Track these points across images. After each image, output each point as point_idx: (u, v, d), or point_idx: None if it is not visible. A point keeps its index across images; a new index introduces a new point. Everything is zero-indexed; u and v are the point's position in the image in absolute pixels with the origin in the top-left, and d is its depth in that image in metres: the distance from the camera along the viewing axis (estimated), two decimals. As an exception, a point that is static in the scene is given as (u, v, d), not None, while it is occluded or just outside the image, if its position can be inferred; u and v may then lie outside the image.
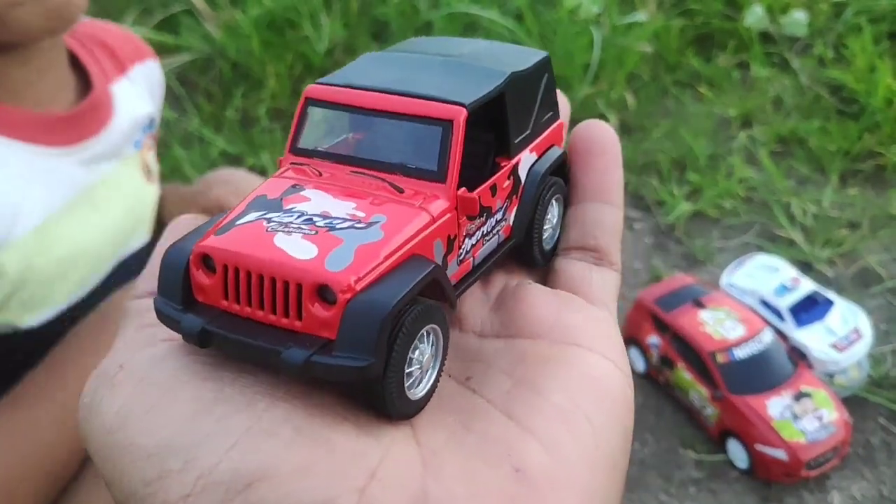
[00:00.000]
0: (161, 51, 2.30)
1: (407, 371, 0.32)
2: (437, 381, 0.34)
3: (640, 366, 1.69)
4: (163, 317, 0.34)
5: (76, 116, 0.96)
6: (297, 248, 0.32)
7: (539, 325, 0.36)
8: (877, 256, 1.85)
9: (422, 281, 0.32)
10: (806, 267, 1.82)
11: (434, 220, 0.35)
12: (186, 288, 0.34)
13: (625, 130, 2.15)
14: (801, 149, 2.08)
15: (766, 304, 1.68)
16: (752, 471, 1.52)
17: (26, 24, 0.84)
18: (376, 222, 0.34)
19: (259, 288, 0.32)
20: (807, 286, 1.68)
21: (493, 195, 0.38)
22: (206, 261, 0.33)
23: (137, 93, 1.07)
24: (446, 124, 0.36)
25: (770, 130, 2.11)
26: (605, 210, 0.44)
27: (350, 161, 0.38)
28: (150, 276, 0.37)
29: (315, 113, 0.38)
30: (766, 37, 2.32)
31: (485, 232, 0.38)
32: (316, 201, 0.35)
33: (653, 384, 1.68)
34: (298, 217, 0.34)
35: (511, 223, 0.41)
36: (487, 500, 0.30)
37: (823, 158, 2.04)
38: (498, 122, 0.39)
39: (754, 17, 2.29)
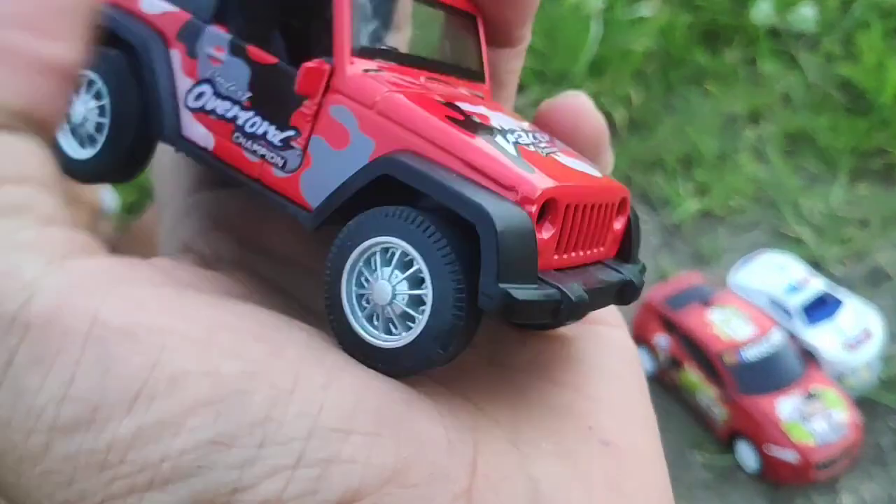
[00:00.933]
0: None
1: None
2: None
3: (649, 366, 1.67)
4: (532, 306, 0.24)
5: None
6: (588, 168, 0.30)
7: None
8: (887, 255, 1.83)
9: None
10: (815, 266, 1.80)
11: None
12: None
13: (630, 127, 2.13)
14: (810, 146, 2.06)
15: (774, 302, 1.66)
16: (761, 473, 1.50)
17: None
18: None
19: (591, 222, 0.28)
20: (816, 285, 1.66)
21: None
22: (545, 210, 0.26)
23: None
24: (475, 18, 0.34)
25: (778, 128, 2.09)
26: None
27: (415, 63, 0.31)
28: None
29: None
30: (773, 32, 2.30)
31: None
32: (494, 119, 0.30)
33: (661, 386, 1.66)
34: (528, 136, 0.30)
35: None
36: (594, 482, 0.27)
37: (832, 156, 2.02)
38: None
39: (762, 12, 2.27)
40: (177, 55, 0.31)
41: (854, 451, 1.49)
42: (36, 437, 0.22)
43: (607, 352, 0.32)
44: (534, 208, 0.25)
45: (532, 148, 0.28)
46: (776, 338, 1.56)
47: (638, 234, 0.31)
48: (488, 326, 0.31)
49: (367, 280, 0.26)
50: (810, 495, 1.48)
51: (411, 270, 0.25)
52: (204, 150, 0.30)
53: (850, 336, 1.60)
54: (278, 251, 0.33)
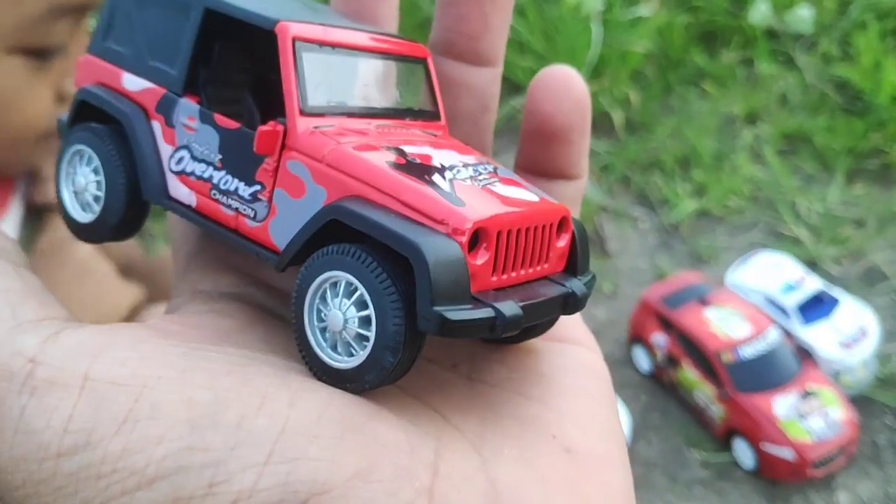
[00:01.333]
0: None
1: None
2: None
3: (646, 365, 1.68)
4: (467, 325, 0.27)
5: None
6: (526, 194, 0.32)
7: None
8: (883, 255, 1.84)
9: None
10: (811, 265, 1.81)
11: None
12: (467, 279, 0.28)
13: (628, 128, 2.14)
14: (807, 146, 2.07)
15: (771, 301, 1.67)
16: (758, 470, 1.51)
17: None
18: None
19: (526, 244, 0.31)
20: (813, 284, 1.67)
21: None
22: (477, 238, 0.29)
23: None
24: (425, 62, 0.37)
25: (775, 128, 2.10)
26: (569, 188, 0.39)
27: (367, 113, 0.34)
28: None
29: (309, 59, 0.32)
30: (770, 33, 2.31)
31: None
32: (437, 157, 0.33)
33: (658, 384, 1.67)
34: (467, 170, 0.33)
35: None
36: (553, 485, 0.29)
37: (829, 156, 2.03)
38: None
39: (759, 13, 2.28)
40: (157, 126, 0.35)
41: (850, 448, 1.50)
42: (46, 464, 0.27)
43: (578, 371, 0.34)
44: (464, 238, 0.28)
45: (469, 182, 0.32)
46: (773, 336, 1.57)
47: (585, 248, 0.34)
48: (469, 346, 0.35)
49: (324, 314, 0.30)
50: (807, 493, 1.49)
51: (356, 296, 0.29)
52: (189, 207, 0.34)
53: (846, 335, 1.60)
54: (274, 283, 0.37)
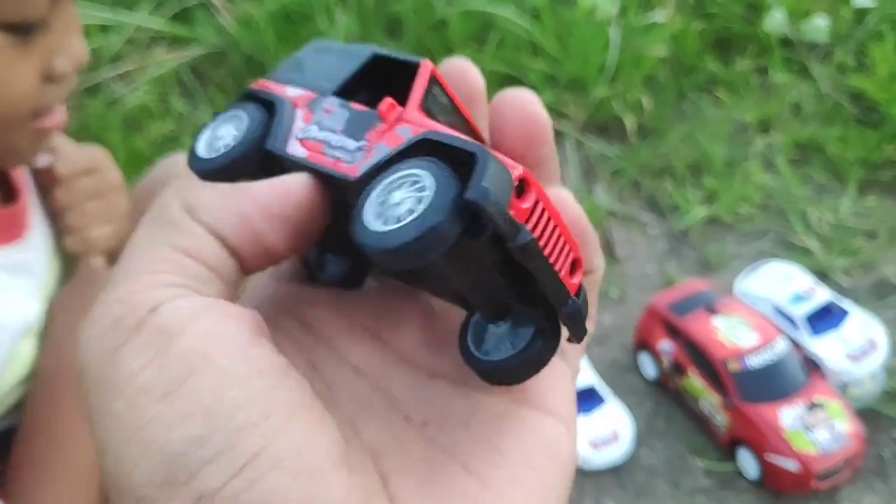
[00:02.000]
0: (175, 43, 2.31)
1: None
2: None
3: (652, 372, 1.67)
4: (502, 211, 0.31)
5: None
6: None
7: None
8: (894, 267, 1.83)
9: None
10: (821, 276, 1.79)
11: None
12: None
13: (641, 133, 2.13)
14: (820, 156, 2.06)
15: (779, 311, 1.66)
16: (761, 481, 1.50)
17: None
18: None
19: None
20: (822, 296, 1.66)
21: None
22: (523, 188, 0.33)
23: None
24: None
25: (788, 137, 2.09)
26: None
27: (458, 126, 0.41)
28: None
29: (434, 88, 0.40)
30: (786, 42, 2.30)
31: None
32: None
33: (663, 391, 1.66)
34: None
35: None
36: None
37: (842, 167, 2.02)
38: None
39: (775, 21, 2.27)
40: (300, 112, 0.40)
41: (856, 461, 1.49)
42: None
43: (532, 445, 0.35)
44: (517, 172, 0.32)
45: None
46: (780, 347, 1.56)
47: None
48: (448, 402, 0.35)
49: (391, 195, 0.33)
50: (811, 505, 1.48)
51: (418, 185, 0.32)
52: (297, 158, 0.39)
53: (854, 347, 1.59)
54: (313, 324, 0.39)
